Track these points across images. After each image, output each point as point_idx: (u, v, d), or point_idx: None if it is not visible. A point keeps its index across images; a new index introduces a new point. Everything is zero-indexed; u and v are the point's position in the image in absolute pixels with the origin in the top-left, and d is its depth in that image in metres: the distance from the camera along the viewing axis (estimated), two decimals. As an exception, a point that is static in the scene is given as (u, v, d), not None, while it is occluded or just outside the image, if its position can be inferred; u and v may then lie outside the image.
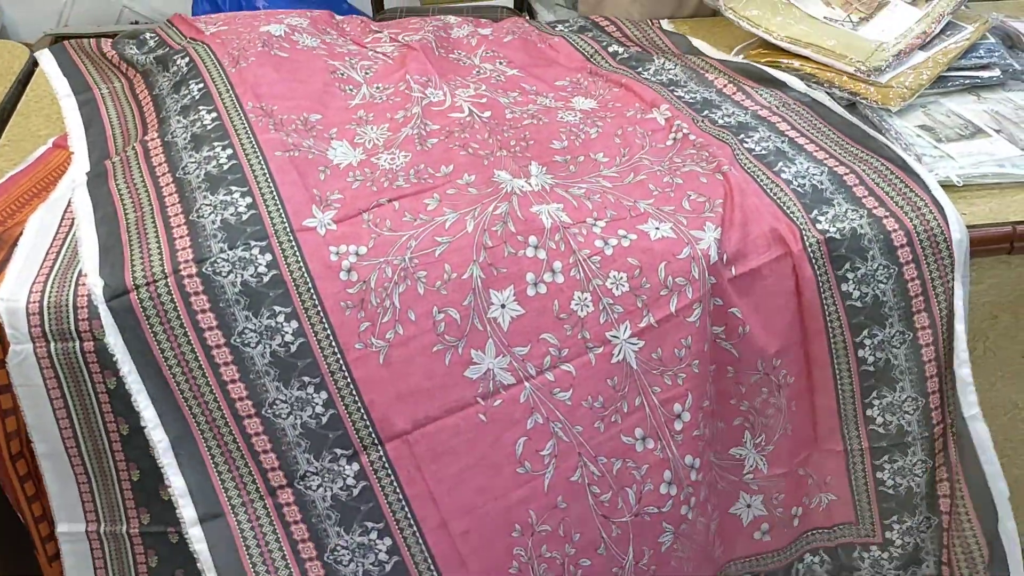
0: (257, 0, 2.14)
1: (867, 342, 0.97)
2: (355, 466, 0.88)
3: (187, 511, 0.87)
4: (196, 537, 0.87)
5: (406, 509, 0.90)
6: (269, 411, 0.87)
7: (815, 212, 0.96)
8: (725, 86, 1.18)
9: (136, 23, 2.41)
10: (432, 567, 0.91)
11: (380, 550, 0.90)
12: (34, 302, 0.84)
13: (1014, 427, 1.17)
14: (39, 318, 0.84)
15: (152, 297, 0.85)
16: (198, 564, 0.88)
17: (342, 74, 1.12)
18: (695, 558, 0.99)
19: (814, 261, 0.94)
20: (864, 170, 1.01)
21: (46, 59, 1.23)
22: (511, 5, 2.18)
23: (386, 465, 0.89)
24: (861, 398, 1.00)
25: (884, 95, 1.12)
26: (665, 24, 1.41)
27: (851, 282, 0.95)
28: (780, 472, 1.03)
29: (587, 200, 0.95)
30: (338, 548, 0.90)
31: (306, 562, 0.90)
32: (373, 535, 0.90)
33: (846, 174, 1.00)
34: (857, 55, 1.16)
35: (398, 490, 0.89)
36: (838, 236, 0.94)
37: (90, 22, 2.39)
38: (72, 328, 0.84)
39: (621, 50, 1.27)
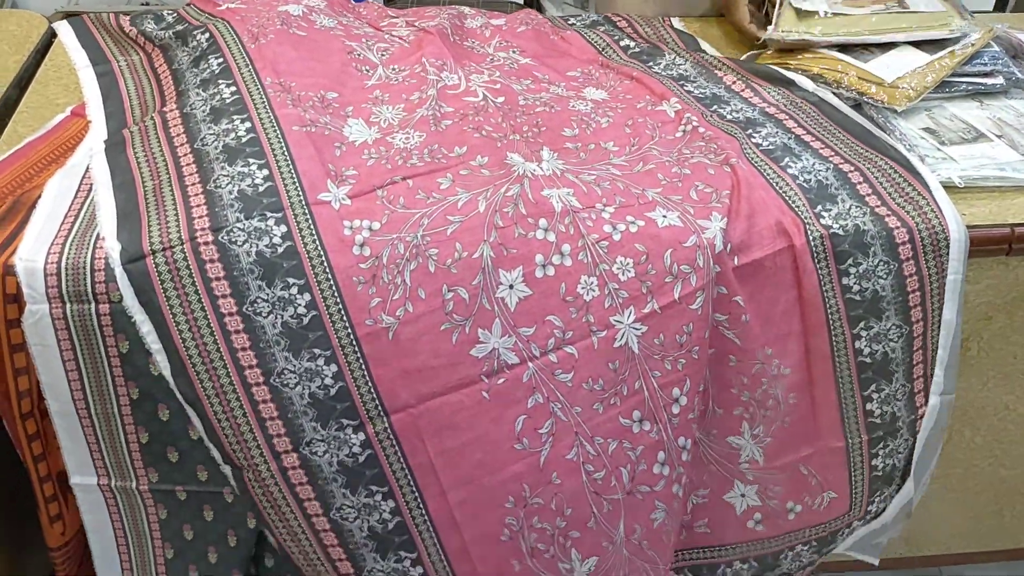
0: (269, -15, 2.15)
1: (863, 334, 0.99)
2: (361, 435, 0.90)
3: (217, 452, 0.91)
4: (229, 474, 0.92)
5: (409, 477, 0.92)
6: (277, 380, 0.88)
7: (819, 207, 0.98)
8: (734, 83, 1.20)
9: (147, 3, 2.42)
10: (431, 528, 0.94)
11: (384, 510, 0.93)
12: (52, 263, 0.86)
13: (1004, 428, 1.20)
14: (56, 279, 0.85)
15: (168, 262, 0.86)
16: (226, 498, 0.94)
17: (359, 55, 1.14)
18: (676, 531, 1.03)
19: (816, 255, 0.96)
20: (868, 168, 1.03)
21: (64, 30, 1.25)
22: (521, 1, 2.20)
23: (391, 436, 0.91)
24: (860, 391, 1.02)
25: (890, 95, 1.15)
26: (676, 23, 1.43)
27: (852, 276, 0.97)
28: (777, 464, 1.05)
29: (597, 186, 0.97)
30: (344, 507, 0.92)
31: (312, 517, 0.92)
32: (378, 497, 0.92)
33: (851, 171, 1.02)
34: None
35: (402, 459, 0.91)
36: (841, 232, 0.96)
37: (102, 1, 2.39)
38: (88, 290, 0.86)
39: (633, 44, 1.29)
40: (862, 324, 0.99)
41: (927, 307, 0.99)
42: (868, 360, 1.01)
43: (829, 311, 0.98)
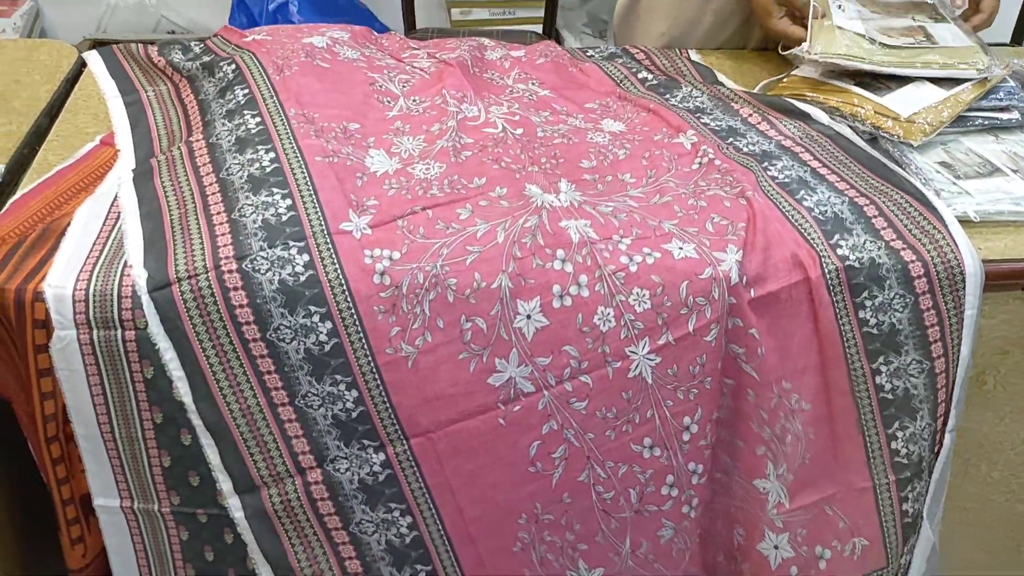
0: (292, 16, 2.20)
1: (883, 369, 1.00)
2: (381, 456, 0.92)
3: (225, 484, 0.93)
4: (235, 506, 0.93)
5: (427, 496, 0.95)
6: (301, 402, 0.90)
7: (835, 239, 0.99)
8: (750, 115, 1.21)
9: (172, 32, 2.47)
10: (447, 543, 0.97)
11: (401, 525, 0.96)
12: (80, 290, 0.88)
13: (1020, 463, 1.19)
14: (84, 306, 0.87)
15: (193, 290, 0.88)
16: (237, 529, 0.94)
17: (381, 86, 1.16)
18: (694, 548, 1.04)
19: (831, 287, 0.97)
20: (884, 202, 1.04)
21: (94, 60, 1.28)
22: (540, 31, 2.24)
23: (410, 458, 0.93)
24: (884, 428, 1.02)
25: (906, 130, 1.16)
26: (693, 55, 1.45)
27: (868, 309, 0.98)
28: (801, 505, 1.04)
29: (614, 218, 0.98)
30: (363, 522, 0.95)
31: (332, 531, 0.95)
32: (396, 513, 0.95)
33: (866, 205, 1.03)
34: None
35: (420, 480, 0.94)
36: (856, 264, 0.97)
37: (128, 29, 2.45)
38: (115, 317, 0.87)
39: (650, 77, 1.31)
40: (881, 359, 0.99)
41: (947, 343, 0.99)
42: (890, 396, 1.01)
43: (846, 344, 0.98)
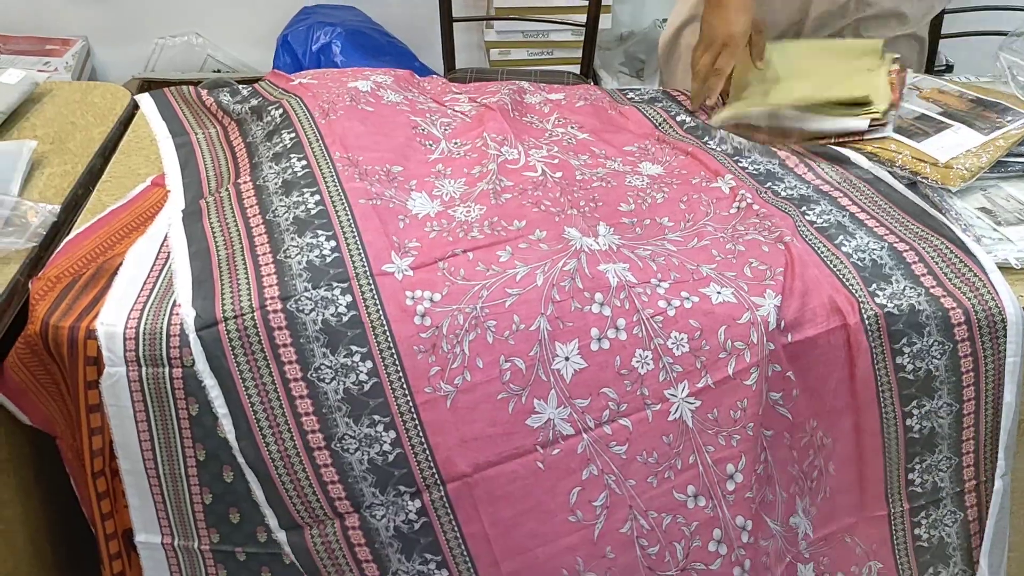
0: (335, 56, 2.25)
1: (915, 412, 1.00)
2: (417, 503, 0.92)
3: (272, 521, 0.94)
4: (283, 541, 0.94)
5: (463, 546, 0.94)
6: (338, 445, 0.91)
7: (874, 286, 0.99)
8: (788, 158, 1.22)
9: (218, 71, 2.53)
10: None
11: None
12: (131, 328, 0.90)
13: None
14: (134, 343, 0.90)
15: (239, 329, 0.90)
16: (284, 560, 0.96)
17: (423, 130, 1.19)
18: None
19: (870, 334, 0.97)
20: (924, 248, 1.04)
21: (146, 103, 1.32)
22: (577, 71, 2.26)
23: (446, 504, 0.92)
24: (905, 463, 1.03)
25: (944, 175, 1.15)
26: (731, 97, 1.45)
27: (907, 356, 0.97)
28: (823, 535, 1.05)
29: (652, 261, 0.99)
30: (399, 572, 0.94)
31: None
32: (432, 565, 0.94)
33: (906, 251, 1.03)
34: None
35: (456, 528, 0.93)
36: (896, 312, 0.97)
37: (175, 68, 2.52)
38: (163, 354, 0.90)
39: (689, 119, 1.32)
40: (914, 403, 0.99)
41: (980, 386, 1.00)
42: (916, 436, 1.01)
43: (880, 389, 0.98)
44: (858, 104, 1.25)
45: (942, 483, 1.04)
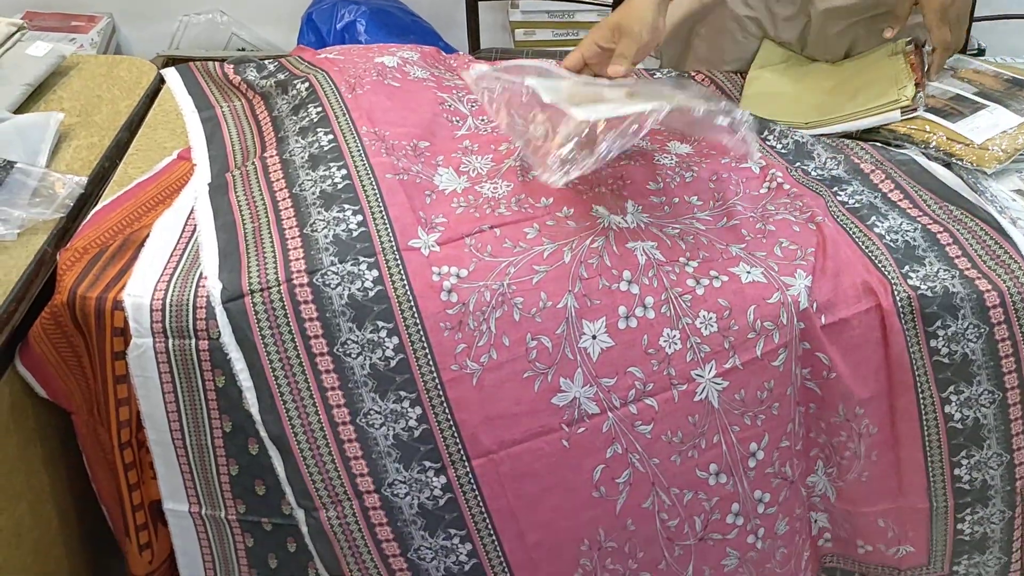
0: (360, 34, 2.23)
1: (953, 398, 0.98)
2: (442, 479, 0.92)
3: (291, 497, 0.94)
4: (300, 519, 0.94)
5: (488, 521, 0.94)
6: (363, 420, 0.91)
7: (907, 268, 0.97)
8: (819, 138, 1.20)
9: (243, 49, 2.53)
10: (507, 570, 0.96)
11: (461, 552, 0.95)
12: (157, 299, 0.90)
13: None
14: (161, 315, 0.90)
15: (265, 302, 0.90)
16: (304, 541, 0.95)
17: (450, 106, 1.18)
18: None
19: (903, 316, 0.95)
20: (958, 229, 1.02)
21: (172, 77, 1.31)
22: (602, 51, 2.24)
23: (472, 480, 0.92)
24: (949, 456, 1.00)
25: (979, 157, 1.13)
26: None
27: (941, 339, 0.96)
28: (847, 509, 1.05)
29: (680, 240, 0.98)
30: (422, 548, 0.94)
31: (390, 558, 0.95)
32: (455, 540, 0.94)
33: (940, 232, 1.02)
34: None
35: (481, 504, 0.93)
36: (929, 294, 0.95)
37: (200, 47, 2.51)
38: (190, 326, 0.90)
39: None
40: (951, 388, 0.97)
41: (1023, 373, 0.97)
42: (959, 426, 0.99)
43: (916, 372, 0.97)
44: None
45: (992, 481, 1.02)
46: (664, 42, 1.56)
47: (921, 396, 0.98)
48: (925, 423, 0.99)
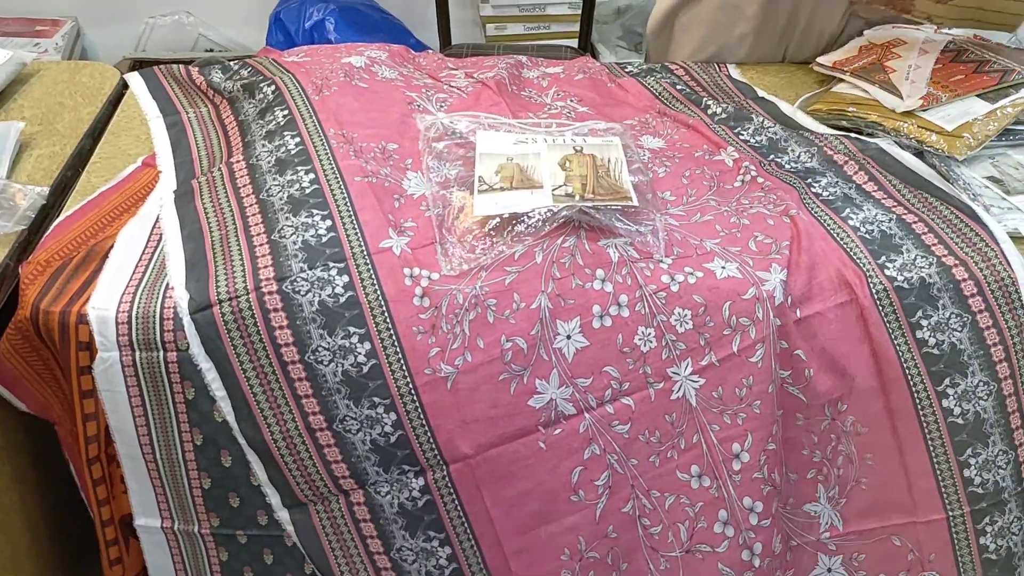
0: (329, 33, 2.21)
1: (950, 392, 0.97)
2: (420, 481, 0.91)
3: (274, 499, 0.93)
4: (285, 520, 0.93)
5: (466, 525, 0.93)
6: (340, 426, 0.90)
7: (883, 259, 0.97)
8: (790, 131, 1.19)
9: (211, 50, 2.50)
10: None
11: (440, 556, 0.94)
12: (123, 312, 0.88)
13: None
14: (127, 327, 0.88)
15: (234, 311, 0.88)
16: (286, 542, 0.95)
17: (419, 106, 1.16)
18: None
19: (881, 308, 0.95)
20: (932, 218, 1.02)
21: (136, 82, 1.29)
22: (576, 45, 2.23)
23: (449, 484, 0.91)
24: (955, 455, 0.98)
25: (950, 144, 1.13)
26: (732, 71, 1.43)
27: (926, 329, 0.95)
28: (856, 530, 1.01)
29: (654, 236, 0.97)
30: (403, 548, 0.94)
31: (375, 555, 0.94)
32: (435, 543, 0.93)
33: (915, 222, 1.01)
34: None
35: (459, 507, 0.92)
36: (906, 285, 0.95)
37: (167, 48, 2.48)
38: (157, 338, 0.88)
39: (688, 90, 1.29)
40: (947, 381, 0.96)
41: (1013, 362, 0.96)
42: (960, 421, 0.97)
43: (905, 366, 0.96)
44: None
45: (1003, 482, 0.99)
46: (650, 36, 1.56)
47: (915, 391, 0.96)
48: (924, 421, 0.97)
